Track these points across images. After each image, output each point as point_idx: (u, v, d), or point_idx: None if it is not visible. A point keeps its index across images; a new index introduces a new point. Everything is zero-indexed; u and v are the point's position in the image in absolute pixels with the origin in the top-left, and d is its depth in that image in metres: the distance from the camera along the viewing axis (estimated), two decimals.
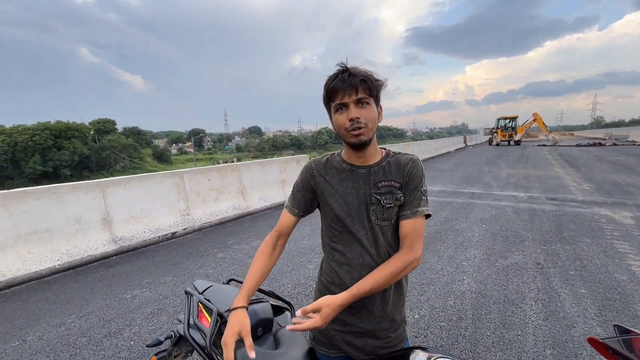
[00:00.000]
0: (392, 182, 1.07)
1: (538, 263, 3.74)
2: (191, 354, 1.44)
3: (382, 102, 1.07)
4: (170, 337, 1.31)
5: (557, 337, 2.41)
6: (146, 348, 2.44)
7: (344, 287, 1.01)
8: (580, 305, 2.82)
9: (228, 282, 1.43)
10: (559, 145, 26.08)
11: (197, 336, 1.17)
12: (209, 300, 1.19)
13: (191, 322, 1.18)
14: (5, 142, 45.49)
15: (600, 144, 25.50)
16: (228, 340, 0.94)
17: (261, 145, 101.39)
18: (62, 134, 50.02)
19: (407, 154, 1.15)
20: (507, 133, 29.02)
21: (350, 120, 0.99)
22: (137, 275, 3.79)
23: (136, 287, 3.50)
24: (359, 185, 1.08)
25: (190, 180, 5.71)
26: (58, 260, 3.94)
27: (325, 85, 1.02)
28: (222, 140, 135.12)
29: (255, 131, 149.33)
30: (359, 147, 1.04)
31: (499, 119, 30.33)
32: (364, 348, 1.08)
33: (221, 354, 1.08)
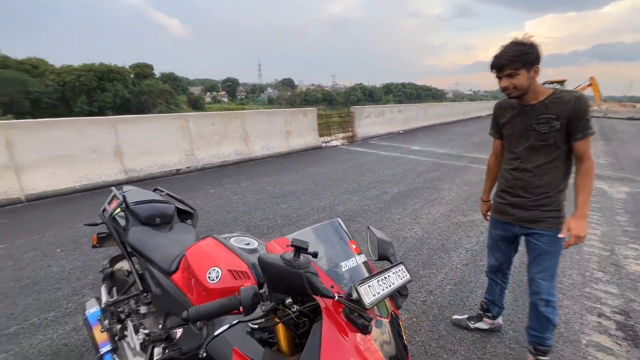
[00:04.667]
0: (550, 115, 1.55)
1: None
2: None
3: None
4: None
5: (465, 278, 2.74)
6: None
7: (509, 185, 1.74)
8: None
9: (154, 190, 1.88)
10: (607, 117, 23.71)
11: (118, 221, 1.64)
12: (123, 195, 1.64)
13: (108, 208, 1.65)
14: (55, 82, 48.73)
15: None
16: (483, 211, 2.04)
17: (292, 99, 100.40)
18: (105, 76, 52.45)
19: (571, 91, 1.58)
20: None
21: (501, 88, 1.57)
22: None
23: None
24: (523, 117, 1.63)
25: (195, 123, 6.20)
26: (77, 182, 4.71)
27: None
28: (255, 91, 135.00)
29: (288, 83, 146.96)
30: (515, 98, 1.60)
31: (544, 83, 27.67)
32: (517, 215, 1.75)
33: (116, 226, 1.55)
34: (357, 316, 0.76)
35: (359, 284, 0.78)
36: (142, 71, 63.76)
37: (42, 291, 2.45)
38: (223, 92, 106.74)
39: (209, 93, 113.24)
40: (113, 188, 1.75)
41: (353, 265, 0.89)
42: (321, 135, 9.41)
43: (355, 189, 5.18)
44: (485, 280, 2.64)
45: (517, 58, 1.46)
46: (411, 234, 3.57)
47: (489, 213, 2.00)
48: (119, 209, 1.56)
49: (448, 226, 3.80)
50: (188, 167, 5.98)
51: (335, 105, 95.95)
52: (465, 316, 2.18)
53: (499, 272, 2.01)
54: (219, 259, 1.09)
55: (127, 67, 62.37)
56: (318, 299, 0.80)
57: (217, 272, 1.05)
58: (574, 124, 1.51)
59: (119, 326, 1.48)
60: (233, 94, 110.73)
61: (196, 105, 75.88)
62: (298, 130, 8.34)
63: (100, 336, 1.51)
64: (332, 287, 0.84)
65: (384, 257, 1.06)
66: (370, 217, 4.01)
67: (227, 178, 5.67)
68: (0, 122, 4.27)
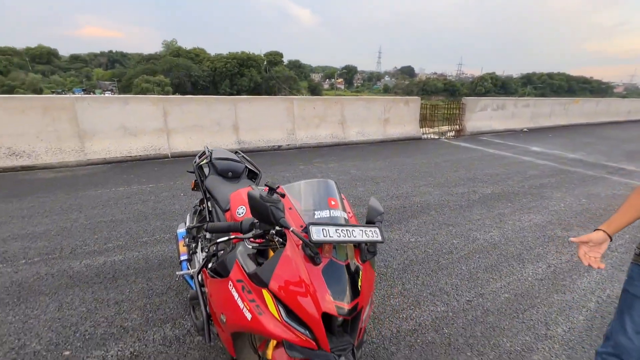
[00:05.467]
0: None
1: None
2: None
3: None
4: None
5: (532, 292, 2.44)
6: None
7: None
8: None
9: (235, 152, 2.37)
10: None
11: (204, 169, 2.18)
12: (210, 152, 2.17)
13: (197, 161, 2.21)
14: (209, 67, 59.55)
15: None
16: (582, 237, 1.23)
17: (410, 88, 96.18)
18: (244, 62, 61.16)
19: None
20: None
21: None
22: None
23: None
24: None
25: (299, 106, 6.88)
26: (205, 147, 5.95)
27: None
28: (372, 79, 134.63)
29: (407, 72, 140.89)
30: None
31: None
32: None
33: (201, 172, 2.06)
34: (307, 248, 0.96)
35: (312, 224, 0.97)
36: (274, 59, 71.45)
37: (166, 219, 3.37)
38: (340, 80, 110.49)
39: (327, 80, 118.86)
40: (206, 145, 2.31)
41: (325, 216, 1.08)
42: (423, 126, 9.02)
43: (441, 183, 4.93)
44: (561, 302, 2.33)
45: None
46: (485, 236, 3.29)
47: (600, 252, 1.22)
48: (205, 161, 2.09)
49: (536, 237, 3.32)
50: (288, 145, 6.74)
51: (457, 96, 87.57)
52: None
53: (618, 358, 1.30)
54: (247, 201, 1.42)
55: (262, 55, 70.82)
56: (286, 232, 1.03)
57: (244, 209, 1.39)
58: None
59: (194, 244, 2.02)
60: (350, 82, 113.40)
61: (315, 91, 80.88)
62: (397, 119, 8.23)
63: (182, 249, 2.09)
64: (302, 226, 1.05)
65: (370, 222, 1.19)
66: (445, 212, 3.84)
67: (318, 158, 6.17)
68: (160, 96, 5.74)
